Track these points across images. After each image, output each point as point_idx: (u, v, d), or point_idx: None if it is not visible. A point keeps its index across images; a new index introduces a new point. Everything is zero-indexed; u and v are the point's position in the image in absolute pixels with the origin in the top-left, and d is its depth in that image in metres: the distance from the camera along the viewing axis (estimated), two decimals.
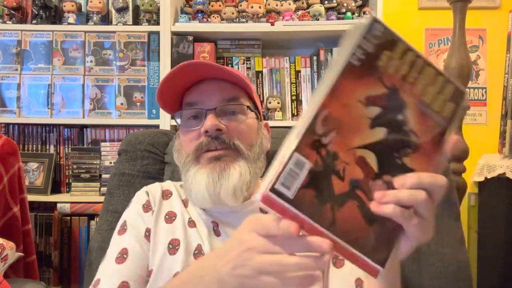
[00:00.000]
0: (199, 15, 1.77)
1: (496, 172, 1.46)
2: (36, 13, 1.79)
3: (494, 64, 2.05)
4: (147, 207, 0.78)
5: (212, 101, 0.75)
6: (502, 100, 1.49)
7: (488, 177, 1.51)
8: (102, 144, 1.77)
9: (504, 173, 1.40)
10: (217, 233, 0.75)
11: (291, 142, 0.42)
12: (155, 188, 0.82)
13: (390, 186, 0.44)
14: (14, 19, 1.81)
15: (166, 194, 0.81)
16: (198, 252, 0.72)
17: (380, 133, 0.45)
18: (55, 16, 1.85)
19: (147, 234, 0.74)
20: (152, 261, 0.72)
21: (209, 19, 1.77)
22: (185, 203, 0.80)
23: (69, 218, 1.75)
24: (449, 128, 0.47)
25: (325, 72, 0.50)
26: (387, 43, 0.45)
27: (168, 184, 0.85)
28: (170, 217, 0.77)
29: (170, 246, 0.73)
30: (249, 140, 0.76)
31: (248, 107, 0.78)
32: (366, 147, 0.45)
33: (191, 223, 0.76)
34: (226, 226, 0.76)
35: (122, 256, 0.71)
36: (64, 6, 1.79)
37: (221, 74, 0.76)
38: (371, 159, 0.44)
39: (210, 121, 0.72)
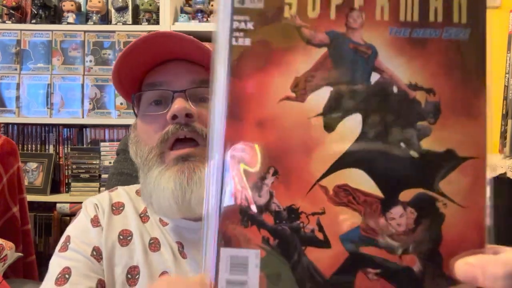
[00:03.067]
0: (199, 14, 1.77)
1: (496, 172, 1.46)
2: (36, 12, 1.79)
3: (494, 64, 2.04)
4: (96, 222, 0.63)
5: (180, 82, 0.61)
6: (503, 100, 1.49)
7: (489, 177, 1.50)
8: (102, 144, 1.76)
9: (505, 173, 1.40)
10: (183, 255, 0.62)
11: (206, 233, 0.25)
12: (103, 200, 0.67)
13: (421, 206, 0.25)
14: (13, 18, 1.81)
15: (116, 208, 0.66)
16: None
17: (351, 129, 0.25)
18: (54, 15, 1.84)
19: (95, 253, 0.60)
20: None
21: (209, 18, 1.77)
22: (142, 217, 0.66)
23: (68, 218, 1.75)
24: (481, 36, 0.26)
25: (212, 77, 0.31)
26: None
27: (118, 194, 0.69)
28: (125, 237, 0.63)
29: (129, 276, 0.60)
30: None
31: None
32: (337, 166, 0.25)
33: (153, 246, 0.62)
34: (192, 247, 0.62)
35: (64, 277, 0.58)
36: (64, 5, 1.78)
37: (193, 51, 0.61)
38: (361, 180, 0.25)
39: (178, 104, 0.58)
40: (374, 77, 0.26)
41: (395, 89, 0.26)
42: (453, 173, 0.25)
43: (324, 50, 0.26)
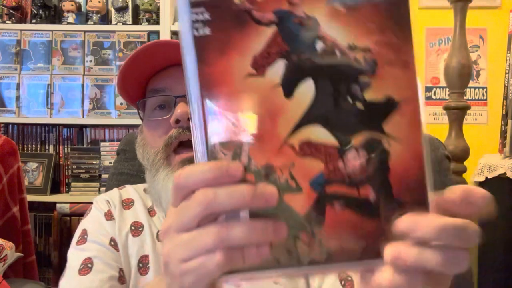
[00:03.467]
0: None
1: (496, 172, 1.46)
2: (36, 12, 1.79)
3: (494, 63, 2.04)
4: (109, 216, 0.66)
5: (182, 87, 0.61)
6: (503, 100, 1.49)
7: (489, 177, 1.50)
8: (102, 144, 1.76)
9: (505, 173, 1.40)
10: None
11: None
12: (114, 196, 0.70)
13: (370, 146, 0.30)
14: (13, 18, 1.81)
15: (127, 203, 0.70)
16: None
17: (306, 93, 0.30)
18: (54, 15, 1.85)
19: (113, 243, 0.63)
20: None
21: None
22: (150, 211, 0.69)
23: (68, 218, 1.75)
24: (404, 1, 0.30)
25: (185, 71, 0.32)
26: None
27: (127, 191, 0.72)
28: (137, 228, 0.66)
29: (140, 265, 0.63)
30: None
31: None
32: (299, 125, 0.30)
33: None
34: None
35: (86, 266, 0.60)
36: (64, 5, 1.78)
37: None
38: (320, 134, 0.30)
39: (181, 109, 0.60)
40: (319, 45, 0.30)
41: (337, 52, 0.30)
42: (393, 115, 0.30)
43: (274, 28, 0.29)
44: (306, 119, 0.30)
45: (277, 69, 0.29)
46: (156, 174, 0.63)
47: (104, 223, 0.65)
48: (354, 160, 0.30)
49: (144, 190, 0.73)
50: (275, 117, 0.29)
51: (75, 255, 0.63)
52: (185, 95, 0.63)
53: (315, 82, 0.30)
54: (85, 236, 0.64)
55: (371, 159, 0.30)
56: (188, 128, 0.61)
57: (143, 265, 0.62)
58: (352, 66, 0.29)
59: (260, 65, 0.29)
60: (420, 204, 0.30)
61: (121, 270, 0.62)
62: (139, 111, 0.70)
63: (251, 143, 0.29)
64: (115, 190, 0.72)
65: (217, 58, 0.29)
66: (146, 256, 0.63)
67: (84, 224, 0.67)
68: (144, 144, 0.68)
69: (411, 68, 0.29)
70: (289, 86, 0.29)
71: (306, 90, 0.29)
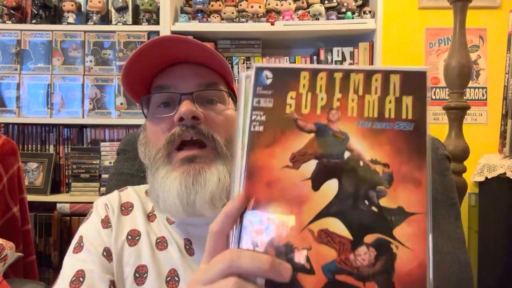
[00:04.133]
0: (199, 14, 1.77)
1: (496, 172, 1.46)
2: (36, 12, 1.79)
3: (494, 64, 2.04)
4: (106, 223, 0.65)
5: (188, 85, 0.63)
6: (503, 100, 1.49)
7: (489, 177, 1.50)
8: (102, 144, 1.77)
9: (505, 173, 1.40)
10: (190, 252, 0.64)
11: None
12: (113, 200, 0.68)
13: (380, 246, 0.34)
14: (13, 18, 1.81)
15: (126, 208, 0.68)
16: (171, 278, 0.61)
17: (330, 189, 0.35)
18: (54, 15, 1.85)
19: (105, 254, 0.62)
20: None
21: (209, 18, 1.77)
22: (150, 216, 0.68)
23: (68, 218, 1.75)
24: (422, 127, 0.36)
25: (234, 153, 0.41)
26: (285, 83, 0.38)
27: (128, 194, 0.71)
28: (133, 237, 0.64)
29: (137, 275, 0.61)
30: (227, 133, 0.63)
31: (229, 93, 0.68)
32: (321, 215, 0.35)
33: (160, 245, 0.64)
34: (199, 242, 0.64)
35: (78, 280, 0.59)
36: (64, 5, 1.78)
37: (201, 55, 0.63)
38: (337, 226, 0.34)
39: (185, 107, 0.59)
40: (347, 154, 0.36)
41: (361, 163, 0.36)
42: (402, 224, 0.34)
43: (312, 135, 0.37)
44: (327, 211, 0.35)
45: (310, 166, 0.36)
46: (156, 172, 0.62)
47: (100, 231, 0.64)
48: (364, 255, 0.34)
49: (146, 192, 0.71)
50: (301, 204, 0.35)
51: (69, 263, 0.62)
52: (191, 93, 0.64)
53: (339, 182, 0.35)
54: (82, 244, 0.63)
55: (379, 258, 0.33)
56: (192, 127, 0.60)
57: (139, 275, 0.61)
58: (372, 175, 0.35)
59: (296, 160, 0.36)
60: None
61: (112, 282, 0.60)
62: (143, 108, 0.68)
63: (278, 222, 0.35)
64: (116, 192, 0.71)
65: (264, 149, 0.37)
66: (143, 266, 0.61)
67: (82, 230, 0.66)
68: (146, 142, 0.66)
69: (423, 186, 0.34)
70: (317, 181, 0.36)
71: (331, 187, 0.35)
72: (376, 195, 0.35)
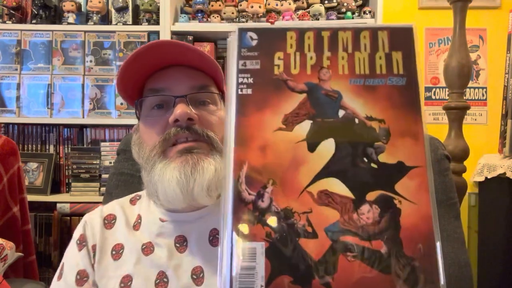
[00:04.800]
0: (199, 14, 1.77)
1: (496, 172, 1.46)
2: (36, 12, 1.79)
3: (494, 64, 2.04)
4: (80, 243, 0.67)
5: (181, 88, 0.65)
6: (503, 100, 1.49)
7: (489, 177, 1.50)
8: (102, 144, 1.77)
9: (505, 173, 1.40)
10: (180, 250, 0.64)
11: (223, 230, 0.32)
12: (94, 216, 0.70)
13: (383, 203, 0.33)
14: (13, 18, 1.81)
15: (108, 221, 0.69)
16: (160, 281, 0.62)
17: (327, 149, 0.34)
18: (54, 15, 1.85)
19: (78, 277, 0.64)
20: None
21: (209, 19, 1.77)
22: (135, 225, 0.68)
23: (68, 218, 1.75)
24: (414, 82, 0.36)
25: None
26: (271, 44, 0.37)
27: (111, 207, 0.72)
28: (117, 252, 0.65)
29: (122, 285, 0.62)
30: (221, 133, 0.64)
31: (221, 95, 0.70)
32: (319, 177, 0.33)
33: (147, 250, 0.65)
34: (193, 238, 0.65)
35: None
36: (64, 5, 1.78)
37: (193, 58, 0.66)
38: (337, 186, 0.33)
39: (180, 109, 0.61)
40: (341, 112, 0.35)
41: (356, 121, 0.35)
42: (404, 178, 0.33)
43: (304, 95, 0.36)
44: (326, 172, 0.34)
45: (304, 127, 0.35)
46: (152, 169, 0.63)
47: (75, 255, 0.67)
48: (368, 214, 0.33)
49: (131, 201, 0.74)
50: (298, 166, 0.34)
51: None
52: (185, 95, 0.65)
53: (336, 142, 0.35)
54: (62, 272, 0.67)
55: (384, 214, 0.33)
56: (187, 128, 0.62)
57: (124, 284, 0.62)
58: (368, 132, 0.35)
59: (289, 122, 0.35)
60: (429, 261, 0.32)
61: None
62: (136, 110, 0.70)
63: (274, 186, 0.33)
64: (98, 209, 0.73)
65: (254, 112, 0.35)
66: (127, 276, 0.63)
67: (65, 255, 0.69)
68: (140, 143, 0.68)
69: (420, 139, 0.34)
70: (313, 142, 0.35)
71: (327, 147, 0.34)
72: (375, 152, 0.34)
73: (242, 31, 0.37)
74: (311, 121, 0.35)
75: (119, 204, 0.73)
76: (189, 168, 0.59)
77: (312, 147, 0.34)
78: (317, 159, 0.34)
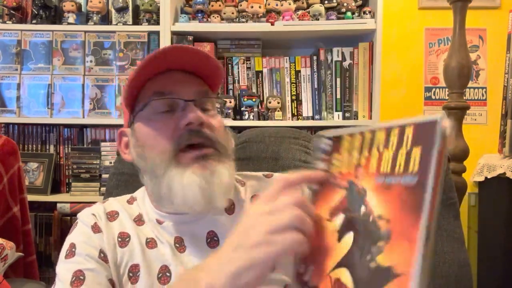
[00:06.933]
0: (199, 15, 1.77)
1: (496, 172, 1.46)
2: (36, 13, 1.79)
3: (494, 64, 2.05)
4: (96, 229, 0.66)
5: (188, 92, 0.66)
6: (502, 100, 1.49)
7: (488, 177, 1.51)
8: (102, 144, 1.77)
9: (504, 173, 1.40)
10: (180, 250, 0.66)
11: None
12: (98, 210, 0.70)
13: None
14: (14, 19, 1.81)
15: (112, 215, 0.69)
16: (163, 274, 0.63)
17: (348, 242, 0.40)
18: (55, 16, 1.85)
19: (102, 255, 0.64)
20: None
21: (209, 19, 1.77)
22: (137, 221, 0.69)
23: (69, 218, 1.75)
24: (424, 181, 0.34)
25: None
26: (334, 147, 0.44)
27: (111, 204, 0.72)
28: (124, 239, 0.66)
29: (131, 274, 0.63)
30: (223, 137, 0.67)
31: (224, 102, 0.73)
32: (338, 265, 0.40)
33: (151, 244, 0.66)
34: (190, 239, 0.67)
35: (79, 278, 0.60)
36: (64, 6, 1.78)
37: (198, 64, 0.67)
38: (346, 277, 0.39)
39: (194, 113, 0.62)
40: (363, 208, 0.39)
41: (370, 218, 0.38)
42: (389, 284, 0.35)
43: (344, 191, 0.41)
44: (342, 262, 0.39)
45: (339, 220, 0.41)
46: (165, 173, 0.63)
47: (92, 236, 0.65)
48: None
49: (128, 201, 0.74)
50: (330, 252, 0.40)
51: (65, 268, 0.62)
52: (194, 99, 0.67)
53: (354, 236, 0.39)
54: (74, 250, 0.64)
55: None
56: (198, 131, 0.63)
57: (133, 274, 0.63)
58: (376, 231, 0.37)
59: (332, 214, 0.42)
60: None
61: (111, 281, 0.62)
62: (131, 112, 0.69)
63: (315, 264, 0.41)
64: (98, 204, 0.72)
65: (317, 204, 0.44)
66: (136, 265, 0.63)
67: (71, 238, 0.66)
68: (142, 145, 0.66)
69: (414, 244, 0.34)
70: (340, 234, 0.40)
71: (348, 240, 0.39)
72: (377, 251, 0.37)
73: (322, 137, 0.46)
74: (344, 215, 0.41)
75: (118, 201, 0.73)
76: (208, 174, 0.61)
77: (339, 238, 0.40)
78: (340, 249, 0.40)
